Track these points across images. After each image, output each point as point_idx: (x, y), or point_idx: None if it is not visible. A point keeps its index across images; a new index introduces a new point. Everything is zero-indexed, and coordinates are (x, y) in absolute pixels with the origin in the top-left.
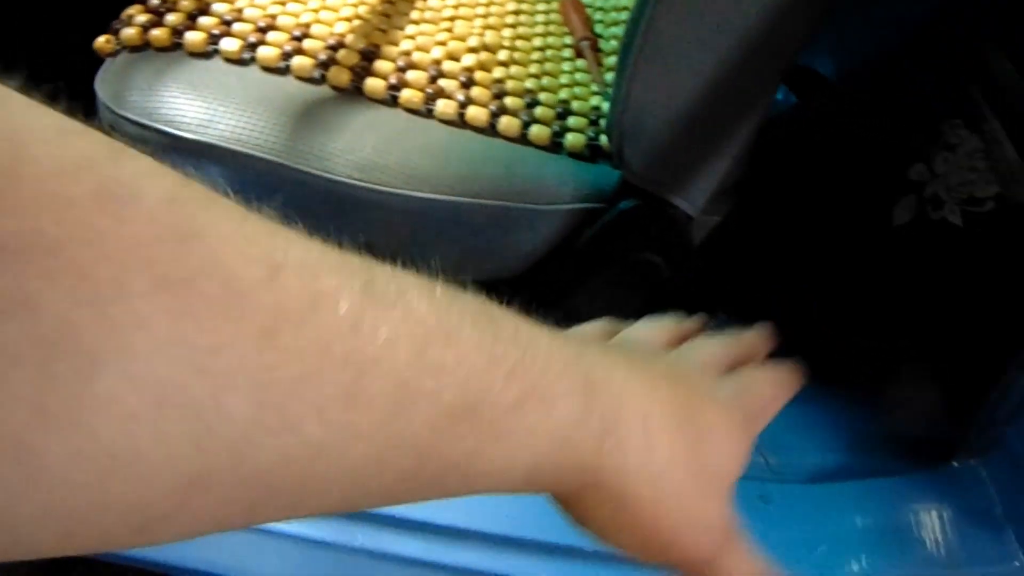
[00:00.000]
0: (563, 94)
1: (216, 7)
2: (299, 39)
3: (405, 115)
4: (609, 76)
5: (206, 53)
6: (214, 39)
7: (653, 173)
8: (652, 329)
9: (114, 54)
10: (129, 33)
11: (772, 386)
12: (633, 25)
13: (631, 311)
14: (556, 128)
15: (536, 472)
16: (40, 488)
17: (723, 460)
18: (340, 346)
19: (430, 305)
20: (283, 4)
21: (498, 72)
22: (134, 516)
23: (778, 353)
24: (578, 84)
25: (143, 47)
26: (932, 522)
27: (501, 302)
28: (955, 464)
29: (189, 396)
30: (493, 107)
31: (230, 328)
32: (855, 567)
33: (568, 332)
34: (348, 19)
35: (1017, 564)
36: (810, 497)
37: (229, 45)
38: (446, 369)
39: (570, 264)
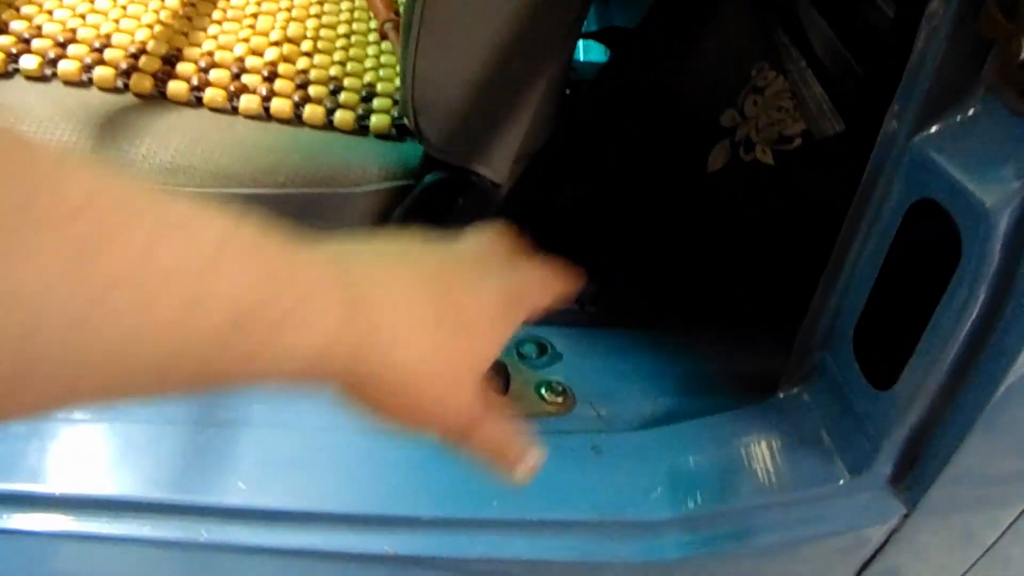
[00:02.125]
0: (368, 78)
1: (14, 25)
2: (100, 50)
3: (210, 115)
4: None
5: (6, 73)
6: (13, 58)
7: (451, 144)
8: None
9: None
10: None
11: (542, 279)
12: (412, 1)
13: None
14: (361, 112)
15: (303, 374)
16: None
17: (480, 347)
18: (139, 265)
19: (214, 231)
20: (83, 17)
21: (302, 63)
22: None
23: (600, 304)
24: (383, 66)
25: None
26: (762, 453)
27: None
28: (780, 395)
29: (18, 304)
30: (297, 97)
31: (52, 250)
32: (691, 505)
33: (337, 247)
34: (149, 25)
35: (842, 482)
36: (642, 443)
37: (28, 63)
38: (227, 284)
39: None
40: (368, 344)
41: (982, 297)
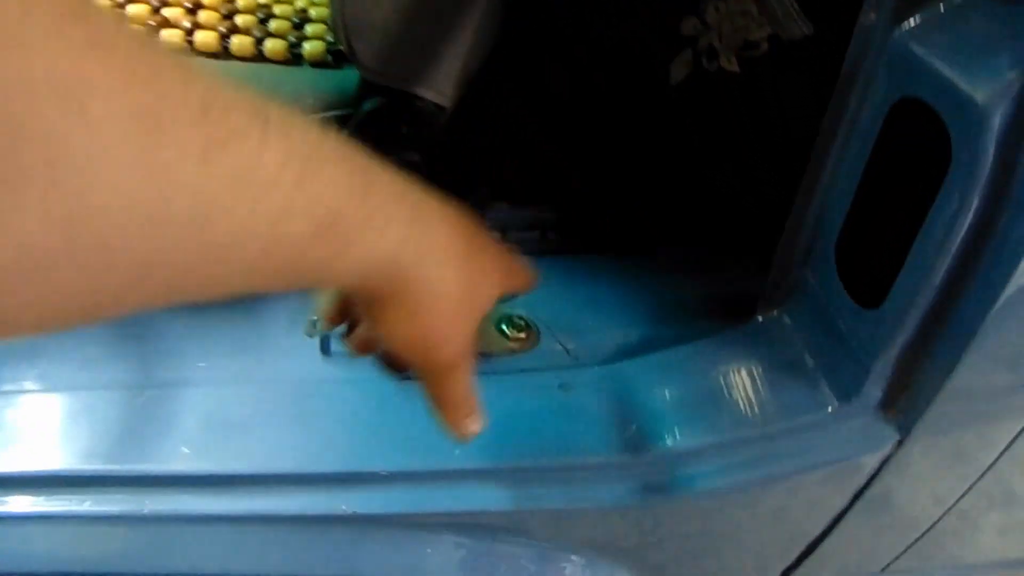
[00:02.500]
0: (300, 2)
1: None
2: None
3: None
4: None
5: None
6: None
7: (390, 67)
8: None
9: None
10: None
11: (523, 265)
12: None
13: None
14: (293, 39)
15: (368, 275)
16: (39, 275)
17: (487, 291)
18: (249, 169)
19: (308, 140)
20: None
21: None
22: (104, 292)
23: (562, 231)
24: None
25: None
26: (743, 382)
27: None
28: (760, 318)
29: (149, 200)
30: (223, 28)
31: (180, 150)
32: (669, 442)
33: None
34: None
35: (830, 410)
36: (613, 378)
37: None
38: (317, 192)
39: None
40: (422, 258)
41: (976, 203)
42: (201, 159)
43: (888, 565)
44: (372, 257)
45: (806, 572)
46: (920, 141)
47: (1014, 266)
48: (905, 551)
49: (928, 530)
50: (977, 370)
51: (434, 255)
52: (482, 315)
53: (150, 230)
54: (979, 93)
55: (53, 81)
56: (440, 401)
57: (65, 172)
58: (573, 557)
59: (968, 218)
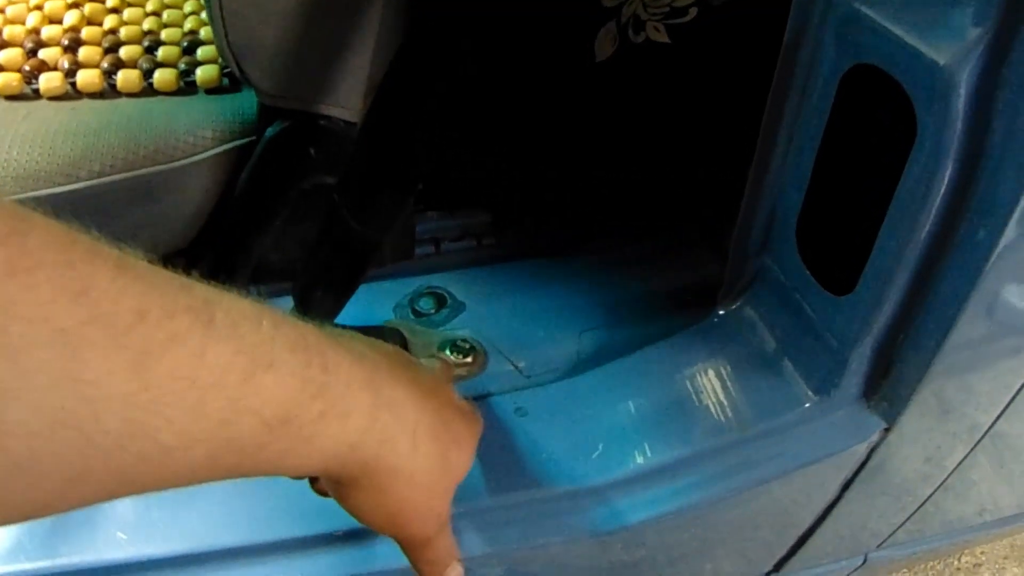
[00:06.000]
0: (189, 24)
1: None
2: None
3: (4, 104)
4: None
5: None
6: None
7: (288, 87)
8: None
9: None
10: None
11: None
12: None
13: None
14: (184, 67)
15: (329, 465)
16: None
17: (461, 461)
18: (188, 373)
19: (257, 335)
20: None
21: (110, 21)
22: (29, 505)
23: (498, 235)
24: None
25: None
26: (711, 384)
27: (186, 274)
28: (720, 311)
29: (77, 418)
30: (106, 64)
31: (107, 365)
32: (640, 459)
33: (363, 349)
34: None
35: (808, 405)
36: (572, 394)
37: None
38: (266, 391)
39: (242, 215)
40: (387, 445)
41: (948, 172)
42: (133, 372)
43: (884, 541)
44: (332, 449)
45: (802, 559)
46: (878, 111)
47: (998, 232)
48: (900, 526)
49: (921, 504)
50: (963, 347)
51: (402, 440)
52: (457, 484)
53: (81, 444)
54: (942, 55)
55: None
56: (417, 565)
57: None
58: None
59: (940, 189)
